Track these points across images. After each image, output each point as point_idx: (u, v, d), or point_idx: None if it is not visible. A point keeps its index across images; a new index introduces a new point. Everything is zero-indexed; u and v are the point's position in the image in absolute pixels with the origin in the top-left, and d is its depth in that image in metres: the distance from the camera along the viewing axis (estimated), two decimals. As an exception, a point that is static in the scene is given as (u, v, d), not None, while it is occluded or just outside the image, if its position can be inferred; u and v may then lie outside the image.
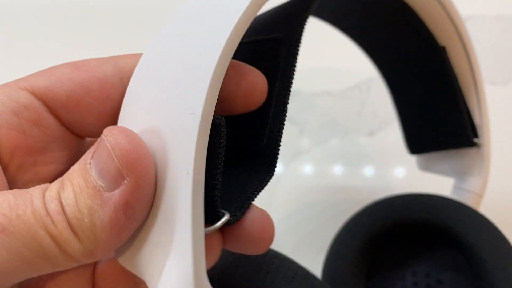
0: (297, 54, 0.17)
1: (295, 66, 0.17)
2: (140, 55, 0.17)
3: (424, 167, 0.32)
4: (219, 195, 0.16)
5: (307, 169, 0.42)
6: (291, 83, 0.17)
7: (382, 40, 0.29)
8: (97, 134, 0.16)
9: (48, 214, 0.14)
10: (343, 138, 0.43)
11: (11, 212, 0.14)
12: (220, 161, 0.15)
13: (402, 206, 0.29)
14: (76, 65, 0.17)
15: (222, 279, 0.21)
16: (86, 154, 0.15)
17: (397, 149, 0.42)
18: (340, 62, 0.44)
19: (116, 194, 0.14)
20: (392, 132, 0.42)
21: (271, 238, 0.17)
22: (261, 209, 0.17)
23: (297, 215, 0.40)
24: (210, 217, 0.16)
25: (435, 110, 0.29)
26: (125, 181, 0.14)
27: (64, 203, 0.14)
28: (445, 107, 0.28)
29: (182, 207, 0.14)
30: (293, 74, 0.17)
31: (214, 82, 0.14)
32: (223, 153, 0.16)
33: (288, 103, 0.17)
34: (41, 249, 0.14)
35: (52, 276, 0.17)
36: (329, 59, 0.45)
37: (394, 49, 0.29)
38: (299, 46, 0.17)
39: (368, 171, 0.42)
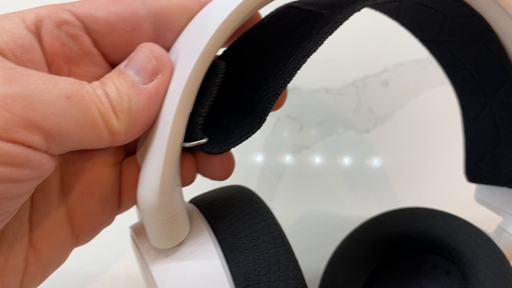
0: (329, 33, 0.19)
1: (322, 41, 0.19)
2: None
3: (479, 198, 0.31)
4: (202, 121, 0.19)
5: (308, 164, 0.43)
6: (311, 53, 0.19)
7: (460, 59, 0.28)
8: (123, 59, 0.20)
9: (97, 96, 0.18)
10: (341, 135, 0.44)
11: (73, 88, 0.17)
12: (211, 96, 0.19)
13: (400, 221, 0.30)
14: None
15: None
16: (117, 66, 0.20)
17: (392, 145, 0.44)
18: (337, 59, 0.46)
19: (151, 85, 0.19)
20: (388, 128, 0.44)
21: (230, 173, 0.23)
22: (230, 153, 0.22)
23: (298, 209, 0.42)
24: (191, 138, 0.19)
25: (500, 142, 0.28)
26: (158, 76, 0.19)
27: (108, 91, 0.18)
28: (509, 142, 0.27)
29: (167, 121, 0.18)
30: (317, 47, 0.19)
31: (218, 32, 0.18)
32: (216, 90, 0.19)
33: (299, 69, 0.19)
34: (92, 118, 0.18)
35: (93, 167, 0.21)
36: (327, 56, 0.46)
37: (470, 71, 0.28)
38: (335, 27, 0.19)
39: (366, 166, 0.43)
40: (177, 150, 0.19)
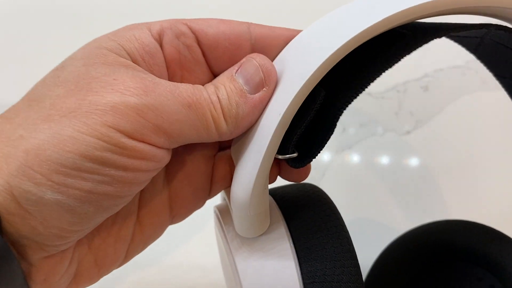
0: (407, 52, 0.20)
1: (398, 59, 0.20)
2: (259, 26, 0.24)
3: None
4: (297, 139, 0.21)
5: (350, 163, 0.46)
6: (383, 69, 0.21)
7: None
8: (224, 70, 0.23)
9: (211, 102, 0.21)
10: (382, 136, 0.46)
11: (193, 96, 0.20)
12: (307, 119, 0.21)
13: (453, 231, 0.31)
14: (222, 20, 0.23)
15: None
16: (229, 70, 0.22)
17: (431, 147, 0.45)
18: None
19: (257, 96, 0.21)
20: (427, 131, 0.46)
21: (306, 177, 0.26)
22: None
23: (341, 205, 0.44)
24: (284, 151, 0.22)
25: None
26: (264, 89, 0.21)
27: (220, 98, 0.21)
28: None
29: (267, 133, 0.21)
30: (391, 64, 0.20)
31: (323, 64, 0.19)
32: (312, 115, 0.21)
33: (371, 81, 0.21)
34: (206, 123, 0.21)
35: (193, 159, 0.25)
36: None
37: None
38: (414, 48, 0.20)
39: (405, 167, 0.45)
40: (271, 160, 0.21)
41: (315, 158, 0.22)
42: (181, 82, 0.22)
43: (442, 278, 0.32)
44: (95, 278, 0.24)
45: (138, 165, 0.19)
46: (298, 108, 0.20)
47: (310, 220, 0.24)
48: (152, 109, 0.19)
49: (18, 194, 0.18)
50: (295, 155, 0.22)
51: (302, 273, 0.23)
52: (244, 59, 0.22)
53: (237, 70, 0.22)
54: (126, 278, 0.41)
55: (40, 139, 0.18)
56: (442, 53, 0.49)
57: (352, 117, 0.47)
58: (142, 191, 0.24)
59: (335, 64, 0.20)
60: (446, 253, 0.31)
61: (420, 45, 0.20)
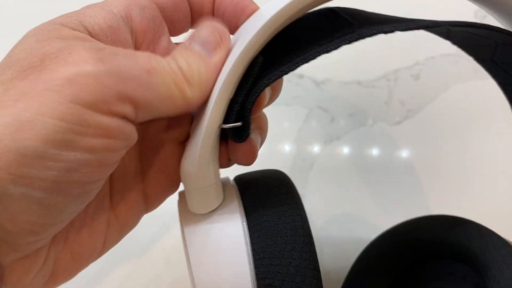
0: (347, 41, 0.20)
1: (337, 47, 0.21)
2: None
3: None
4: (238, 108, 0.21)
5: (339, 154, 0.44)
6: (323, 53, 0.21)
7: None
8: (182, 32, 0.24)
9: (172, 71, 0.20)
10: (372, 126, 0.45)
11: (151, 63, 0.20)
12: (247, 86, 0.21)
13: (435, 227, 0.30)
14: None
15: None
16: (183, 42, 0.22)
17: (422, 137, 0.45)
18: (369, 52, 0.47)
19: (216, 59, 0.21)
20: (418, 121, 0.45)
21: (253, 160, 0.25)
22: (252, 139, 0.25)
23: (328, 198, 0.43)
24: (229, 121, 0.22)
25: None
26: (220, 51, 0.21)
27: (181, 65, 0.20)
28: None
29: (210, 102, 0.21)
30: (330, 50, 0.21)
31: (260, 31, 0.20)
32: (252, 82, 0.21)
33: (306, 62, 0.21)
34: (169, 90, 0.20)
35: (165, 144, 0.25)
36: (359, 49, 0.47)
37: None
38: (354, 39, 0.21)
39: (396, 157, 0.44)
40: (214, 130, 0.21)
41: (247, 131, 0.22)
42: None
43: (427, 276, 0.31)
44: (73, 273, 0.23)
45: (106, 144, 0.18)
46: (239, 75, 0.21)
47: (265, 198, 0.24)
48: (112, 75, 0.18)
49: None
50: (239, 124, 0.22)
51: (252, 249, 0.22)
52: (196, 28, 0.22)
53: (191, 39, 0.22)
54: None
55: None
56: (433, 40, 0.48)
57: (341, 107, 0.45)
58: (112, 178, 0.24)
59: (271, 34, 0.21)
60: (430, 250, 0.31)
61: (362, 37, 0.20)
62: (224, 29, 0.22)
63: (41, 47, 0.18)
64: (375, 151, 0.44)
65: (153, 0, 0.23)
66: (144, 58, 0.20)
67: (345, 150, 0.45)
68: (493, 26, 0.23)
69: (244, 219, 0.23)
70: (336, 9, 0.23)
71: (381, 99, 0.45)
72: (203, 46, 0.21)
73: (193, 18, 0.25)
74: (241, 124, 0.22)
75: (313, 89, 0.46)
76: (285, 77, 0.49)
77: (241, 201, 0.24)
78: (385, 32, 0.21)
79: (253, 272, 0.22)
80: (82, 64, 0.18)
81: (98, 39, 0.20)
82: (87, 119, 0.17)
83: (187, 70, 0.21)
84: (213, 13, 0.24)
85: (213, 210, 0.23)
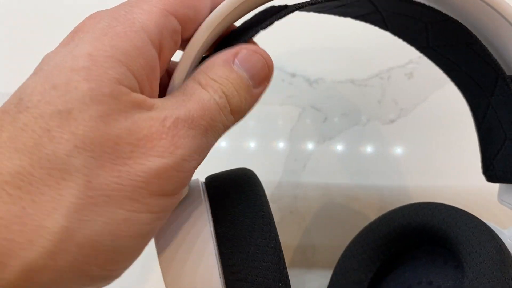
0: (278, 17, 0.21)
1: (270, 23, 0.21)
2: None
3: (500, 198, 0.30)
4: None
5: (332, 154, 0.44)
6: (259, 31, 0.22)
7: (455, 63, 0.28)
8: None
9: (221, 109, 0.20)
10: (365, 125, 0.44)
11: (207, 117, 0.19)
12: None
13: (409, 215, 0.30)
14: None
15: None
16: (222, 58, 0.21)
17: (415, 136, 0.44)
18: (362, 50, 0.46)
19: (259, 90, 0.21)
20: (412, 120, 0.44)
21: None
22: None
23: (321, 198, 0.43)
24: None
25: (507, 139, 0.27)
26: (265, 84, 0.21)
27: (228, 95, 0.20)
28: (509, 137, 0.27)
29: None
30: (265, 26, 0.21)
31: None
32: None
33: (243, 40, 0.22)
34: (217, 133, 0.20)
35: None
36: (352, 47, 0.47)
37: (467, 73, 0.28)
38: (285, 14, 0.22)
39: (389, 156, 0.44)
40: None
41: None
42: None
43: (410, 266, 0.31)
44: None
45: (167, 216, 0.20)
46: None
47: (229, 188, 0.24)
48: (184, 162, 0.18)
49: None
50: None
51: (216, 234, 0.22)
52: (242, 49, 0.21)
53: (235, 59, 0.21)
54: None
55: (92, 230, 0.16)
56: None
57: (334, 106, 0.45)
58: None
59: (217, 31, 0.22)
60: (410, 239, 0.31)
61: (295, 9, 0.21)
62: (272, 63, 0.21)
63: (109, 129, 0.17)
64: (368, 150, 0.44)
65: (180, 19, 0.21)
66: (198, 113, 0.19)
67: (339, 149, 0.44)
68: None
69: (208, 206, 0.23)
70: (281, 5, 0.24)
71: (375, 98, 0.45)
72: (252, 78, 0.21)
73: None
74: None
75: (306, 88, 0.45)
76: (277, 76, 0.49)
77: (206, 192, 0.24)
78: (313, 3, 0.21)
79: (216, 253, 0.22)
80: (160, 157, 0.17)
81: (142, 89, 0.19)
82: (167, 206, 0.19)
83: (236, 101, 0.20)
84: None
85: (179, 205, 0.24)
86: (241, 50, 0.21)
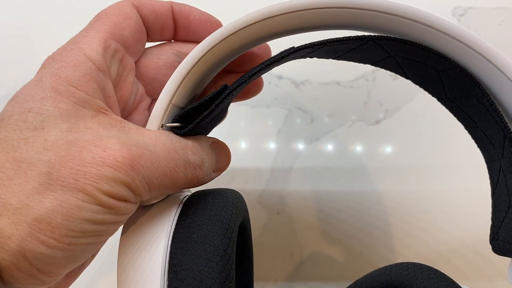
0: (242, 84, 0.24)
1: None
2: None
3: (509, 276, 0.26)
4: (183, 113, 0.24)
5: (319, 155, 0.44)
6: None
7: (471, 118, 0.26)
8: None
9: (195, 170, 0.25)
10: (351, 126, 0.45)
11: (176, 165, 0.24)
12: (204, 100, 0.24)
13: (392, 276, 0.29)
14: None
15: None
16: (207, 142, 0.26)
17: (400, 137, 0.45)
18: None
19: (214, 175, 0.27)
20: (397, 121, 0.45)
21: None
22: None
23: (308, 200, 0.43)
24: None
25: (510, 207, 0.25)
26: (219, 172, 0.27)
27: (203, 169, 0.25)
28: None
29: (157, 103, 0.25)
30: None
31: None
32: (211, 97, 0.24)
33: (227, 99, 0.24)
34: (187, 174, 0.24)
35: None
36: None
37: (482, 130, 0.26)
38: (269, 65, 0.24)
39: (375, 157, 0.44)
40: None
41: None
42: (120, 95, 0.25)
43: None
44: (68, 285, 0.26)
45: (125, 218, 0.22)
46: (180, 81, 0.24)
47: (205, 199, 0.25)
48: (140, 180, 0.21)
49: (31, 256, 0.19)
50: (176, 124, 0.24)
51: (173, 235, 0.23)
52: (220, 146, 0.28)
53: (214, 147, 0.27)
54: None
55: (49, 209, 0.19)
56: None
57: (320, 107, 0.45)
58: None
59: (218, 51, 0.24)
60: None
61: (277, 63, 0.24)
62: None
63: (75, 139, 0.21)
64: (354, 151, 0.45)
65: (136, 8, 0.26)
66: (165, 158, 0.23)
67: (325, 150, 0.44)
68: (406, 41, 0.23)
69: (178, 212, 0.24)
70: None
71: (360, 99, 0.45)
72: (218, 168, 0.27)
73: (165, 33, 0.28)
74: (179, 125, 0.25)
75: (293, 90, 0.46)
76: (264, 78, 0.49)
77: (182, 201, 0.25)
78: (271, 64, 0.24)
79: (167, 251, 0.23)
80: (116, 170, 0.20)
81: (105, 109, 0.23)
82: (118, 205, 0.21)
83: (201, 174, 0.25)
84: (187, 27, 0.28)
85: (154, 204, 0.24)
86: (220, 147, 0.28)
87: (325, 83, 0.46)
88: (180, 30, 0.28)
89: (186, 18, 0.27)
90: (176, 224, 0.23)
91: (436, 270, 0.28)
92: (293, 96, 0.46)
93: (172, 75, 0.24)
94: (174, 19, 0.27)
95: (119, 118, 0.23)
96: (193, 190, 0.27)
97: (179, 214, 0.24)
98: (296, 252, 0.42)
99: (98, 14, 0.25)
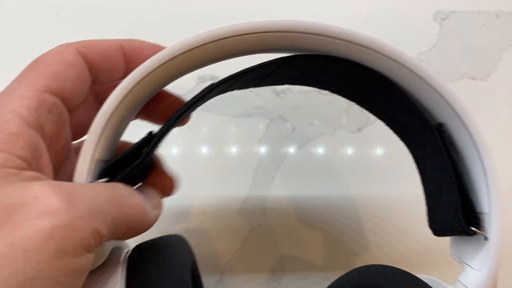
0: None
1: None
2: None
3: (451, 253, 0.28)
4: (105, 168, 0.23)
5: (301, 164, 0.44)
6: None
7: (391, 114, 0.28)
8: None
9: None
10: (332, 135, 0.45)
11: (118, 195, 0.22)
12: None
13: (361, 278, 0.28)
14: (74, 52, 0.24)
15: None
16: (152, 189, 0.26)
17: (382, 144, 0.45)
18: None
19: (156, 212, 0.25)
20: (378, 128, 0.44)
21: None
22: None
23: (292, 208, 0.43)
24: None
25: (443, 189, 0.26)
26: (156, 210, 0.25)
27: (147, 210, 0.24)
28: (448, 188, 0.26)
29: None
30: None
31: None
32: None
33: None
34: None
35: None
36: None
37: (403, 124, 0.28)
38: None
39: (358, 165, 0.44)
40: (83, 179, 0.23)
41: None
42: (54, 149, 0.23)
43: None
44: None
45: (82, 276, 0.20)
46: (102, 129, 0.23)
47: (149, 256, 0.24)
48: (83, 217, 0.19)
49: None
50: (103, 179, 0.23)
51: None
52: (152, 192, 0.26)
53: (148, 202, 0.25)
54: None
55: None
56: (392, 44, 0.48)
57: (302, 116, 0.45)
58: None
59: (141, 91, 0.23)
60: None
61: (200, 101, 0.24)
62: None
63: (5, 198, 0.18)
64: (336, 159, 0.44)
65: (82, 54, 0.23)
66: (106, 191, 0.21)
67: (307, 159, 0.44)
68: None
69: (124, 274, 0.23)
70: None
71: (341, 107, 0.45)
72: (152, 206, 0.24)
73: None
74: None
75: (274, 99, 0.45)
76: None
77: (126, 260, 0.24)
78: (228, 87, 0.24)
79: None
80: (57, 214, 0.18)
81: (29, 163, 0.20)
82: (70, 266, 0.18)
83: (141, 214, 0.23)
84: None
85: (96, 269, 0.23)
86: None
87: (306, 91, 0.46)
88: (134, 67, 0.24)
89: (139, 55, 0.25)
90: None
91: (394, 269, 0.27)
92: (274, 104, 0.45)
93: (90, 128, 0.22)
94: (126, 58, 0.25)
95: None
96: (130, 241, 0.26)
97: (126, 276, 0.23)
98: (277, 265, 0.42)
99: (35, 60, 0.23)
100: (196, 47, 0.22)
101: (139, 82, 0.22)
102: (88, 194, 0.19)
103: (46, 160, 0.21)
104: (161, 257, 0.24)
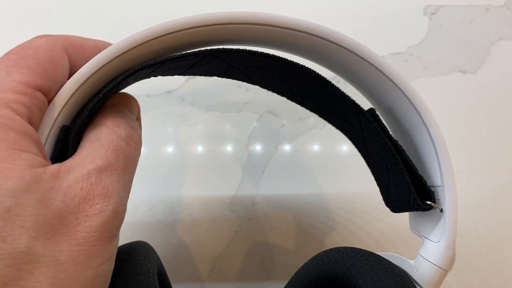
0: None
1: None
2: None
3: (411, 229, 0.29)
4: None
5: (290, 158, 0.44)
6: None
7: (323, 106, 0.29)
8: None
9: (127, 142, 0.23)
10: (322, 129, 0.45)
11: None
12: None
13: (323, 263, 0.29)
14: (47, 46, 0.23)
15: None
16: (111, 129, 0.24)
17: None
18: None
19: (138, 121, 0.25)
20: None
21: None
22: None
23: (282, 203, 0.43)
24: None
25: (391, 170, 0.27)
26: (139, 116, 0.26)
27: (128, 130, 0.23)
28: (394, 169, 0.26)
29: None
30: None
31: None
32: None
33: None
34: (132, 161, 0.23)
35: None
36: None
37: (336, 113, 0.29)
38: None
39: (349, 160, 0.44)
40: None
41: None
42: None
43: None
44: None
45: None
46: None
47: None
48: (117, 212, 0.20)
49: None
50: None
51: None
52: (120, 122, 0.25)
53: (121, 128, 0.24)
54: None
55: None
56: (383, 39, 0.48)
57: (291, 111, 0.45)
58: None
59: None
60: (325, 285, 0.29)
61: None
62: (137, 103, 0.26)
63: (46, 208, 0.18)
64: (326, 154, 0.44)
65: (68, 54, 0.23)
66: (119, 168, 0.21)
67: (297, 154, 0.44)
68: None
69: None
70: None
71: (331, 101, 0.45)
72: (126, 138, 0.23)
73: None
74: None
75: (263, 94, 0.45)
76: (235, 83, 0.49)
77: None
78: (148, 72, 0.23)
79: None
80: (103, 211, 0.19)
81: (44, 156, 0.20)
82: (116, 246, 0.21)
83: (134, 133, 0.23)
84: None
85: None
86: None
87: (296, 86, 0.46)
88: None
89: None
90: None
91: (355, 249, 0.27)
92: (264, 100, 0.45)
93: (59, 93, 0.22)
94: None
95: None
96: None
97: None
98: (267, 259, 0.42)
99: (24, 49, 0.21)
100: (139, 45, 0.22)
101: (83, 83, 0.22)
102: (113, 184, 0.20)
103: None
104: (127, 265, 0.24)
